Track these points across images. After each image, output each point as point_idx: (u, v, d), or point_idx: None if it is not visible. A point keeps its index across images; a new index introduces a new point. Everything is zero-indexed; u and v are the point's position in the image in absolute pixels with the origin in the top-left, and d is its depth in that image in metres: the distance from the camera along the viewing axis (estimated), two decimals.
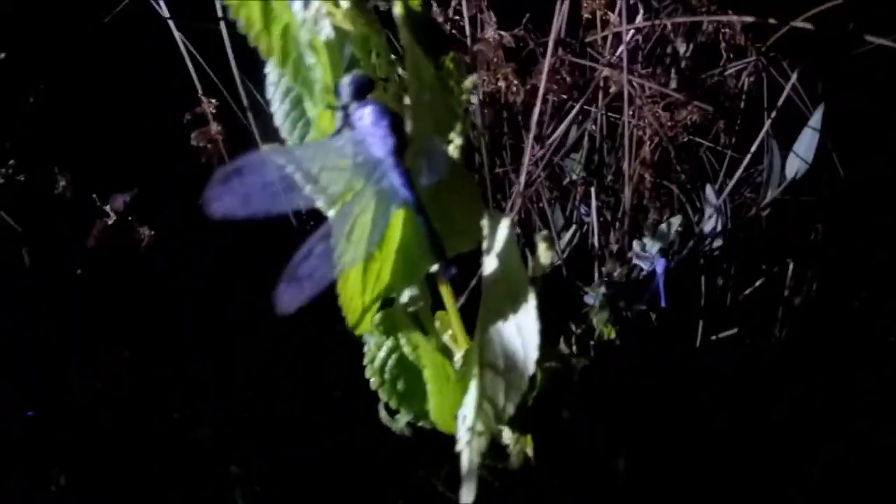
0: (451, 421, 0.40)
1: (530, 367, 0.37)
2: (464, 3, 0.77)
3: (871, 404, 0.96)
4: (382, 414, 0.45)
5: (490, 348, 0.37)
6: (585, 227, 0.81)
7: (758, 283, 0.89)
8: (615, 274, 0.72)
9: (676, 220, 0.67)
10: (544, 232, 0.40)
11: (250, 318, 0.87)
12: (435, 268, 0.41)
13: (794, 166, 0.88)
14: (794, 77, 0.86)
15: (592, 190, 0.77)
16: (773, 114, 0.85)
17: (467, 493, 0.35)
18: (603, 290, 0.72)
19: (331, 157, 0.35)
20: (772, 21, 0.80)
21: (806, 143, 0.87)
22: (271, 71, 0.39)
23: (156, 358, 0.88)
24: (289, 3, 0.35)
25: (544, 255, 0.39)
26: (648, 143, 0.85)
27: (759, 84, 0.90)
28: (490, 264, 0.39)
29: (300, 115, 0.40)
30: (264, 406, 0.84)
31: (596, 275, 0.79)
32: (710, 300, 0.85)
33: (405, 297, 0.42)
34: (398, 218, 0.39)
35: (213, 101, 0.83)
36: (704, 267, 0.85)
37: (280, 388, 0.85)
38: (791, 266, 0.88)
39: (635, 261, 0.69)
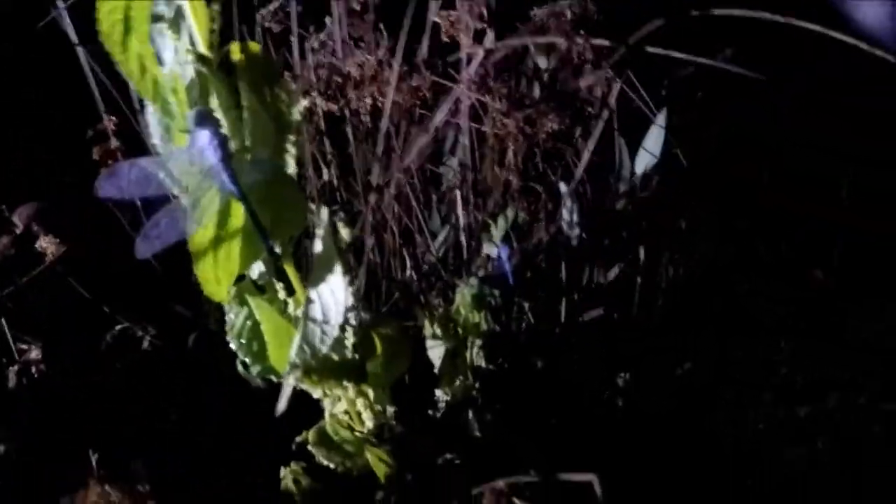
0: (284, 364, 0.51)
1: (340, 319, 0.47)
2: (337, 33, 0.88)
3: (739, 377, 1.08)
4: (240, 369, 0.54)
5: (312, 305, 0.48)
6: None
7: (617, 268, 1.01)
8: (477, 265, 0.82)
9: (511, 213, 0.77)
10: (340, 214, 0.51)
11: None
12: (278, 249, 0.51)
13: (644, 161, 1.01)
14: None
15: (459, 193, 0.88)
16: (614, 114, 0.97)
17: (281, 406, 0.45)
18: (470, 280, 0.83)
19: (184, 164, 0.46)
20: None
21: (653, 139, 1.00)
22: (148, 104, 0.50)
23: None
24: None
25: (344, 231, 0.50)
26: (512, 149, 0.96)
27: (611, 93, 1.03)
28: (316, 245, 0.49)
29: (168, 136, 0.50)
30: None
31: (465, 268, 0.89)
32: (573, 283, 0.97)
33: (254, 273, 0.52)
34: (240, 211, 0.49)
35: (114, 118, 0.94)
36: (566, 254, 0.96)
37: None
38: (643, 250, 1.00)
39: (485, 250, 0.80)
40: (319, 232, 0.49)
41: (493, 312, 0.85)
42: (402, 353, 0.61)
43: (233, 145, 0.47)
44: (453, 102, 0.89)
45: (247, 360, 0.53)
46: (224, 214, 0.47)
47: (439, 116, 0.85)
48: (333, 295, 0.50)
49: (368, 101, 0.83)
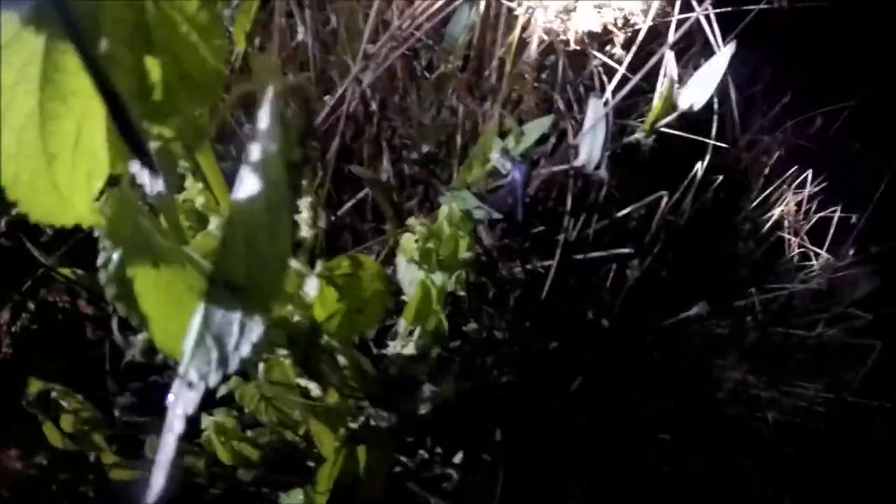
0: (176, 346, 0.30)
1: (277, 288, 0.28)
2: None
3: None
4: (116, 332, 0.35)
5: (233, 252, 0.27)
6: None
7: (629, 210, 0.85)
8: (470, 178, 0.65)
9: (547, 120, 0.58)
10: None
11: None
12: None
13: (690, 99, 0.82)
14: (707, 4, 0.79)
15: (460, 81, 0.70)
16: (675, 36, 0.78)
17: (155, 488, 0.25)
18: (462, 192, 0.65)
19: None
20: None
21: (706, 78, 0.81)
22: None
23: None
24: None
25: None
26: (536, 39, 0.77)
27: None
28: (261, 120, 0.30)
29: None
30: None
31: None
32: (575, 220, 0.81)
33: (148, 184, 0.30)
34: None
35: None
36: (574, 184, 0.79)
37: None
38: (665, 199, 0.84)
39: (494, 162, 0.61)
40: (262, 123, 0.30)
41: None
42: (378, 297, 0.43)
43: None
44: None
45: (132, 321, 0.31)
46: (51, 67, 0.26)
47: None
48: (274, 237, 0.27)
49: None
